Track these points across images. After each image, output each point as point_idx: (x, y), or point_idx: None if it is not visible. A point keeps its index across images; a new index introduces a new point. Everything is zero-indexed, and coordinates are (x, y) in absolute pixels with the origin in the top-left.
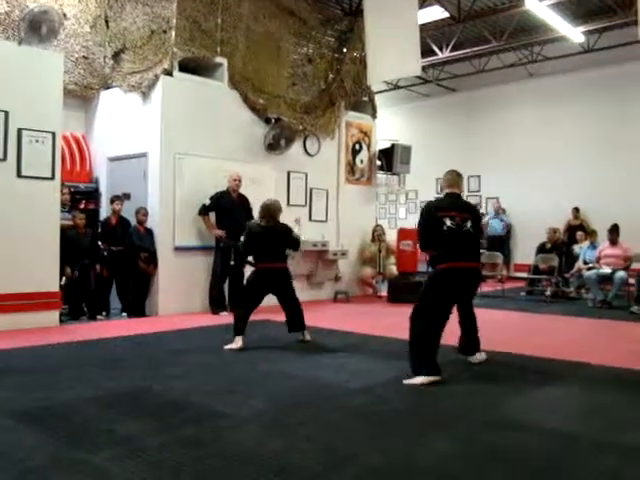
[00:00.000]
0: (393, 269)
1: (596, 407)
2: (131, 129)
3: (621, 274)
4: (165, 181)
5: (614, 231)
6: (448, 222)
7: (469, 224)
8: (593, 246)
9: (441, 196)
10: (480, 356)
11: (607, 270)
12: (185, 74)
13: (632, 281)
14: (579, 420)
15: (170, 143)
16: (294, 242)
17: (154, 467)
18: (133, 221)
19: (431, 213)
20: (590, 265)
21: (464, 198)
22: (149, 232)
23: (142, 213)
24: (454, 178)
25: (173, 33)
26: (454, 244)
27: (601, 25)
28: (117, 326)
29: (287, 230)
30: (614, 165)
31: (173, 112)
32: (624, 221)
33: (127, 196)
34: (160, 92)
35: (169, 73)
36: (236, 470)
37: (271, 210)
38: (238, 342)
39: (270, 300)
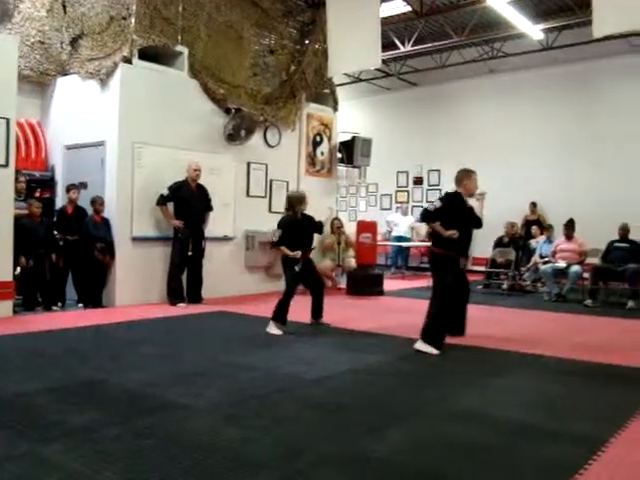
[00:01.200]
0: (352, 262)
1: (548, 397)
2: (89, 117)
3: (576, 268)
4: (123, 170)
5: (570, 226)
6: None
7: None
8: (549, 240)
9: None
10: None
11: (562, 264)
12: (145, 62)
13: (586, 275)
14: (532, 410)
15: (128, 132)
16: (318, 228)
17: (106, 458)
18: (90, 210)
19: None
20: (546, 259)
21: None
22: (106, 222)
23: (99, 202)
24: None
25: (133, 20)
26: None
27: (560, 23)
28: (73, 317)
29: (309, 219)
30: (571, 161)
31: (132, 100)
32: (580, 216)
33: (84, 185)
34: (119, 80)
35: (128, 61)
36: (190, 460)
37: (291, 201)
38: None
39: (226, 291)
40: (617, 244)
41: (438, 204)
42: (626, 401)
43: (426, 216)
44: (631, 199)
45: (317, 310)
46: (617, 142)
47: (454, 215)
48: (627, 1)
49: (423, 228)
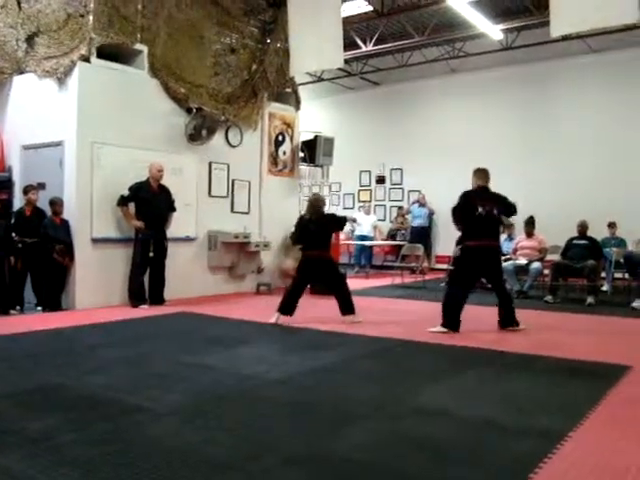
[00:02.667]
0: None
1: (510, 393)
2: (46, 116)
3: (536, 265)
4: (82, 171)
5: (530, 223)
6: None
7: (495, 211)
8: (510, 238)
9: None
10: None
11: (523, 261)
12: (103, 61)
13: (547, 272)
14: (494, 406)
15: (87, 132)
16: (338, 223)
17: (66, 465)
18: (48, 212)
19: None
20: (507, 256)
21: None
22: (65, 223)
23: (58, 204)
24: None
25: (91, 18)
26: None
27: (519, 24)
28: (31, 320)
29: (329, 217)
30: (531, 160)
31: (91, 100)
32: (540, 214)
33: (42, 186)
34: (77, 79)
35: (86, 59)
36: (152, 464)
37: (311, 204)
38: (278, 318)
39: (189, 292)
40: (576, 241)
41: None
42: (586, 395)
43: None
44: (589, 196)
45: (345, 306)
46: (575, 141)
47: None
48: (583, 1)
49: (385, 227)
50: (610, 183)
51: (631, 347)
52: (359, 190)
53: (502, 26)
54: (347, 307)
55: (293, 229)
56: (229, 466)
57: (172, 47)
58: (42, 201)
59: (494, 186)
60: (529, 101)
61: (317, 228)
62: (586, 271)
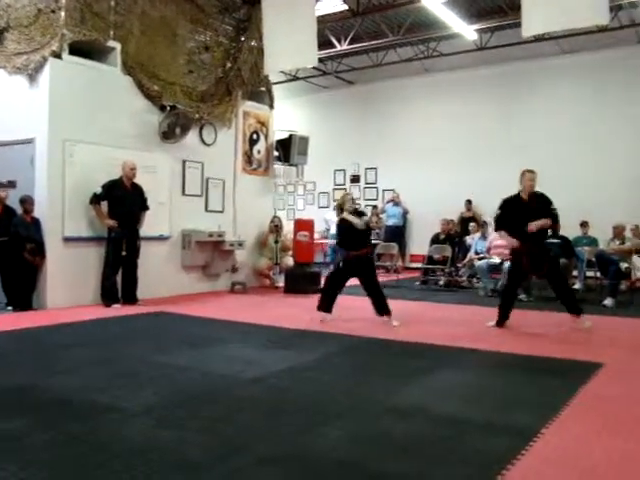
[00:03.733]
0: (289, 260)
1: (485, 390)
2: (17, 113)
3: (510, 264)
4: (54, 169)
5: None
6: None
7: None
8: (484, 237)
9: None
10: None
11: (497, 260)
12: (76, 57)
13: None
14: (469, 403)
15: (59, 129)
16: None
17: (35, 466)
18: (19, 210)
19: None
20: (481, 255)
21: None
22: (36, 222)
23: (28, 202)
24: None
25: (62, 13)
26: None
27: (492, 24)
28: (1, 320)
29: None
30: (504, 158)
31: (62, 97)
32: None
33: (12, 184)
34: (48, 75)
35: (58, 56)
36: (124, 465)
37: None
38: (326, 317)
39: (162, 291)
40: (549, 240)
41: (497, 212)
42: (559, 392)
43: (495, 226)
44: (562, 195)
45: (379, 307)
46: (547, 139)
47: (513, 217)
48: (556, 2)
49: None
50: (582, 182)
51: (603, 345)
52: (334, 189)
53: (476, 26)
54: (382, 308)
55: (337, 233)
56: (203, 466)
57: (145, 44)
58: (12, 199)
59: (463, 184)
60: (502, 101)
61: (363, 226)
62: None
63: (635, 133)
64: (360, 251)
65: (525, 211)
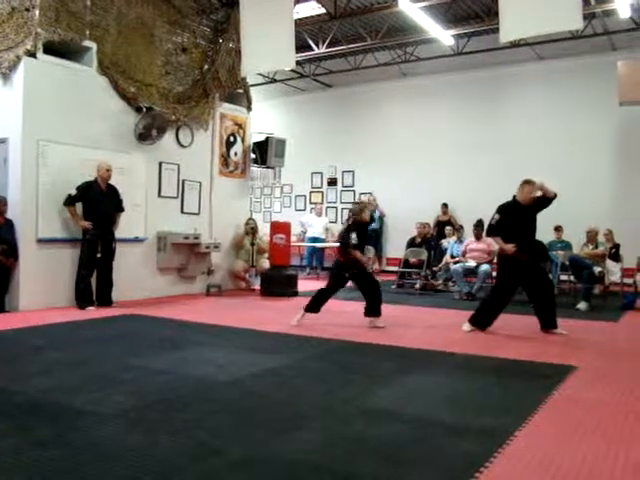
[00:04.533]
0: (265, 263)
1: (459, 393)
2: None
3: (485, 267)
4: (27, 169)
5: (479, 226)
6: None
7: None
8: (460, 241)
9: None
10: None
11: (472, 264)
12: (51, 57)
13: (495, 274)
14: (442, 406)
15: (33, 129)
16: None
17: (3, 471)
18: None
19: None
20: (457, 259)
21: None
22: (9, 223)
23: (1, 203)
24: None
25: (37, 12)
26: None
27: (469, 30)
28: None
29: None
30: (481, 163)
31: (37, 96)
32: (489, 216)
33: None
34: (22, 74)
35: (32, 55)
36: (96, 469)
37: (353, 211)
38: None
39: (137, 293)
40: None
41: (497, 217)
42: (532, 395)
43: (489, 231)
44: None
45: (369, 308)
46: (522, 144)
47: (510, 223)
48: (532, 8)
49: (337, 229)
50: (556, 186)
51: (577, 348)
52: (311, 192)
53: (453, 31)
54: (371, 310)
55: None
56: (175, 470)
57: (122, 45)
58: None
59: (439, 188)
60: (478, 105)
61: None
62: None
63: (608, 137)
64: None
65: (524, 217)
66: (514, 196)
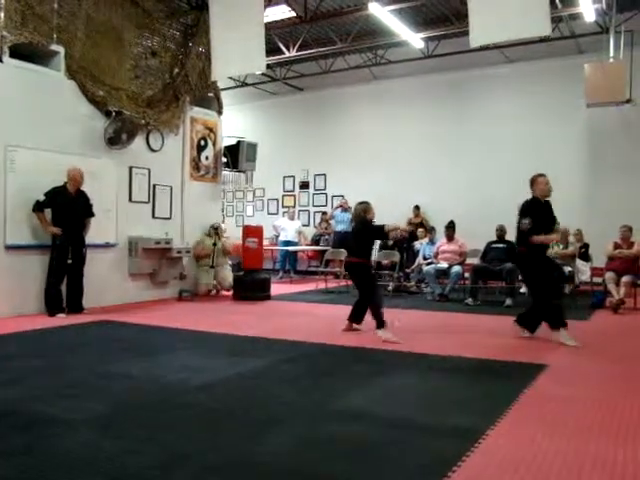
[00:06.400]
0: (229, 278)
1: (432, 394)
2: None
3: (457, 269)
4: None
5: (450, 228)
6: None
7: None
8: (432, 242)
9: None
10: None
11: (444, 265)
12: (17, 60)
13: (467, 275)
14: (416, 407)
15: (0, 134)
16: (377, 233)
17: None
18: None
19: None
20: (429, 260)
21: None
22: None
23: None
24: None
25: (2, 15)
26: None
27: (439, 33)
28: None
29: (366, 227)
30: (452, 165)
31: (3, 101)
32: (460, 218)
33: None
34: None
35: None
36: (68, 477)
37: (354, 213)
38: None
39: (109, 299)
40: (494, 245)
41: (527, 222)
42: (504, 394)
43: (524, 238)
44: (508, 201)
45: (355, 315)
46: (492, 146)
47: (542, 219)
48: (501, 14)
49: (309, 232)
50: (527, 188)
51: (548, 346)
52: (283, 195)
53: (423, 34)
54: (357, 315)
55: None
56: (147, 476)
57: (90, 48)
58: None
59: (411, 190)
60: (447, 107)
61: (354, 236)
62: (504, 274)
63: (576, 139)
64: (350, 259)
65: (547, 211)
66: (533, 196)
